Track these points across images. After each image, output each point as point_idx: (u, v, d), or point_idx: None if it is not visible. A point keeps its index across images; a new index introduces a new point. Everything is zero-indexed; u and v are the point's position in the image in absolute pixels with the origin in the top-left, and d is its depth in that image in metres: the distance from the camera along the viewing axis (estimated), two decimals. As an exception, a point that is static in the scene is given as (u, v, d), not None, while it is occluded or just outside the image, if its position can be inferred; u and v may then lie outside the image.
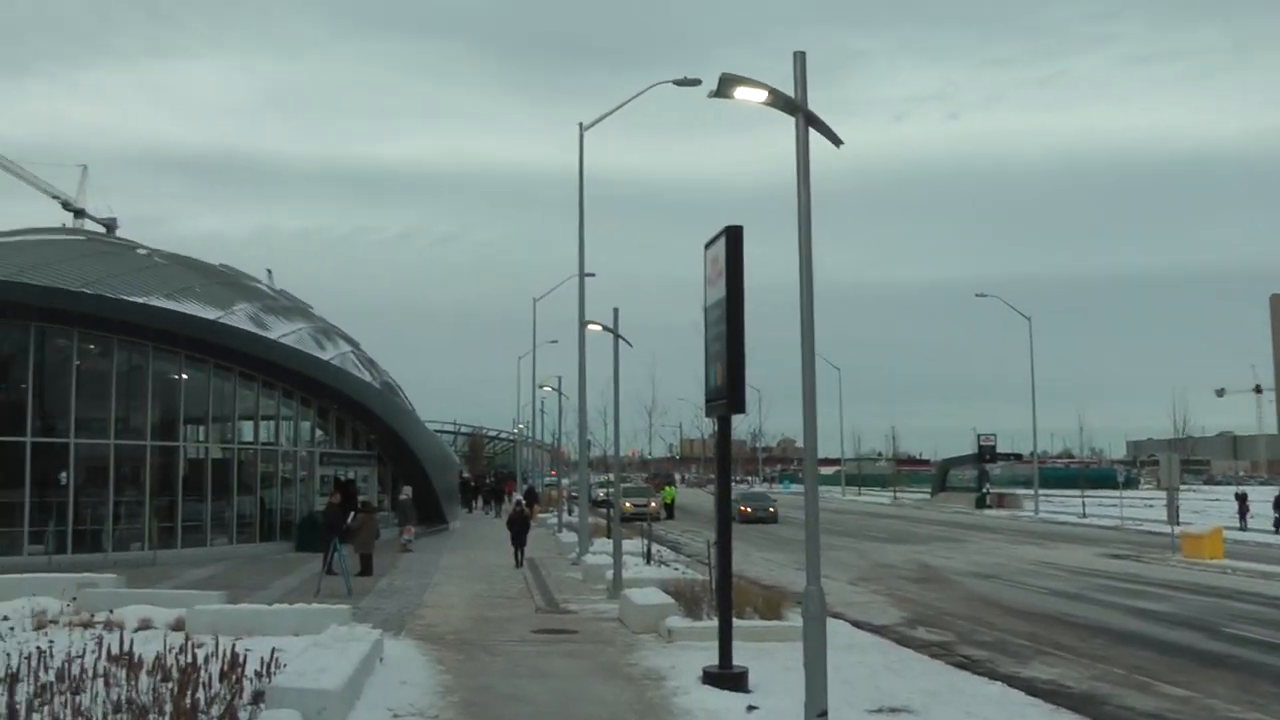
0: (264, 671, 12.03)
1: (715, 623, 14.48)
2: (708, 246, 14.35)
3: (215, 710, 10.43)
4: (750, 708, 12.12)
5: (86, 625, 16.95)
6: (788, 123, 11.14)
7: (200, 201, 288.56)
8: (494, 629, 18.64)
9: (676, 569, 25.58)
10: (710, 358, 14.26)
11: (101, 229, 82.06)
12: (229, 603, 18.55)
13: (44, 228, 43.74)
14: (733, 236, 13.59)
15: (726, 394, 13.40)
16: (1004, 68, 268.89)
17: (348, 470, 39.30)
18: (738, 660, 13.72)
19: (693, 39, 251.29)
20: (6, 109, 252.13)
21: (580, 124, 29.84)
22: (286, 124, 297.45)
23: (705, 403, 14.81)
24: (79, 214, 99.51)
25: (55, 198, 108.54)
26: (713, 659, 13.84)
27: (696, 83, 27.18)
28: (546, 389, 65.04)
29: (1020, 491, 76.97)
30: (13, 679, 11.22)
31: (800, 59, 11.10)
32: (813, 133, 11.10)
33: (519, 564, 30.41)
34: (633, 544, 28.19)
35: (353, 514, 28.89)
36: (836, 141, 11.31)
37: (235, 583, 25.28)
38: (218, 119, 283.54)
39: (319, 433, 38.68)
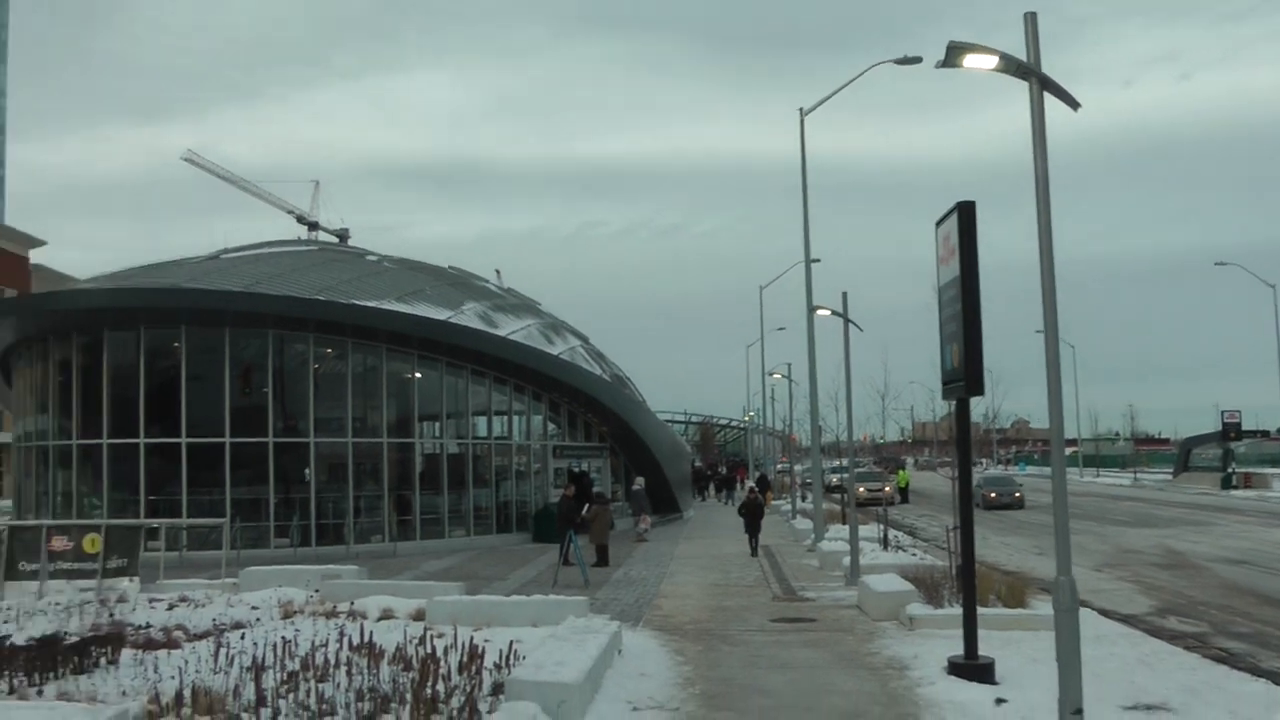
0: (503, 663, 12.06)
1: (958, 610, 13.92)
2: (939, 224, 13.82)
3: (455, 702, 10.47)
4: (999, 701, 11.58)
5: (330, 615, 17.38)
6: (1013, 96, 10.61)
7: (428, 208, 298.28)
8: (731, 618, 18.39)
9: (914, 554, 24.93)
10: (945, 339, 13.73)
11: (334, 239, 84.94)
12: (467, 594, 18.78)
13: (279, 240, 45.45)
14: (964, 212, 13.04)
15: (964, 375, 12.87)
16: (1240, 22, 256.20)
17: (580, 462, 39.66)
18: (983, 650, 13.15)
19: (907, 18, 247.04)
20: (243, 132, 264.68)
21: (800, 109, 29.35)
22: (510, 127, 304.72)
23: (942, 385, 14.22)
24: (313, 227, 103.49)
25: (290, 213, 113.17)
26: (956, 648, 13.30)
27: (917, 60, 26.36)
28: (776, 376, 64.75)
29: (1269, 471, 72.76)
30: (258, 668, 11.53)
31: (1031, 20, 10.51)
32: (1047, 98, 10.54)
33: (754, 552, 30.05)
34: (868, 529, 27.55)
35: (587, 505, 29.11)
36: (1074, 104, 10.67)
37: (473, 574, 25.66)
38: (443, 127, 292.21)
39: (551, 426, 39.15)
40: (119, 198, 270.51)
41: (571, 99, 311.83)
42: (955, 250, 13.00)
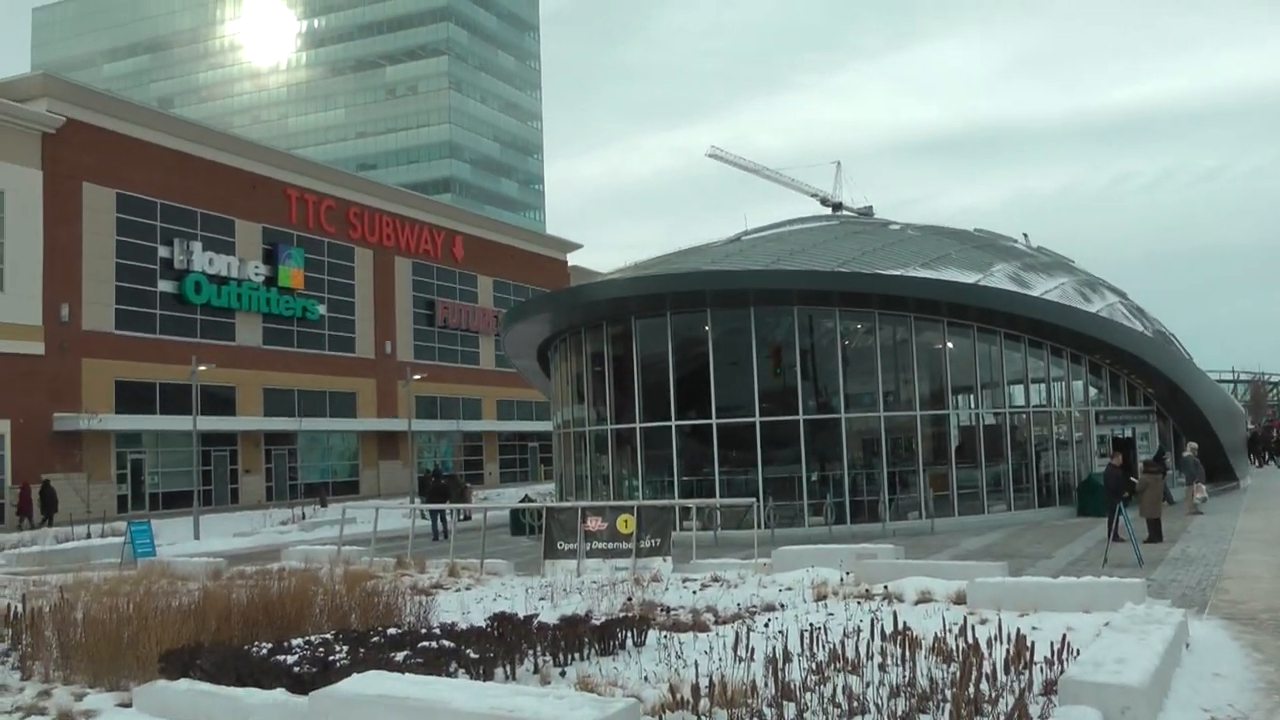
0: (1054, 658, 10.51)
1: None
2: None
3: (1002, 705, 9.09)
4: None
5: (864, 597, 16.47)
6: None
7: (951, 178, 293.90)
8: (1319, 604, 15.74)
9: None
10: None
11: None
12: (1010, 574, 17.25)
13: (799, 218, 45.19)
14: None
15: None
16: None
17: (1125, 428, 36.67)
18: None
19: None
20: (767, 122, 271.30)
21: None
22: (1032, 85, 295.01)
23: None
24: (836, 207, 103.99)
25: (813, 195, 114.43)
26: None
27: None
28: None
29: None
30: (781, 659, 10.62)
31: None
32: None
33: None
34: None
35: (1137, 475, 26.58)
36: None
37: (1015, 551, 23.95)
38: (963, 94, 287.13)
39: (1091, 390, 36.41)
40: (649, 199, 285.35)
41: (1091, 44, 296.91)
42: None
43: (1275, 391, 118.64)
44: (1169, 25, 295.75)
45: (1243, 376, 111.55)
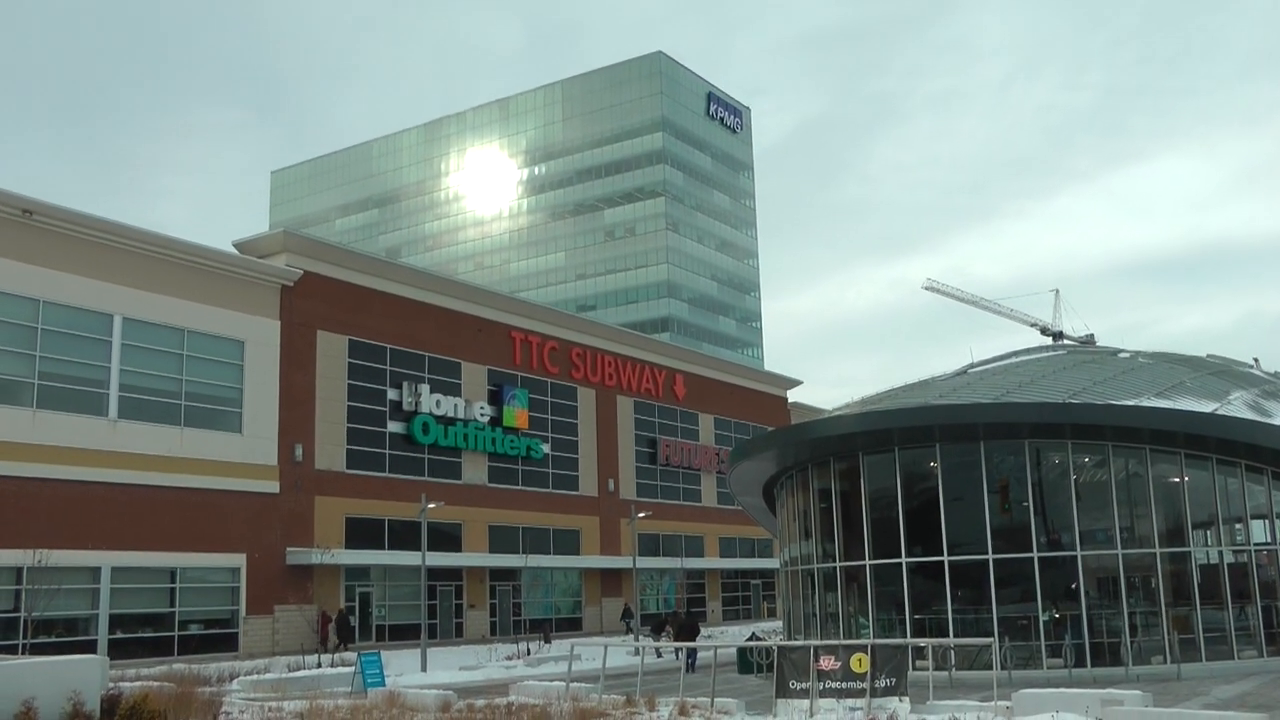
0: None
1: None
2: None
3: None
4: None
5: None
6: None
7: (1176, 300, 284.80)
8: None
9: None
10: None
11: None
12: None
13: (1024, 349, 44.66)
14: None
15: None
16: None
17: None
18: None
19: None
20: (983, 251, 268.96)
21: None
22: (1256, 199, 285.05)
23: None
24: (1057, 336, 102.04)
25: (1033, 325, 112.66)
26: None
27: None
28: None
29: None
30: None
31: None
32: None
33: None
34: None
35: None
36: None
37: (1274, 702, 22.74)
38: (1184, 212, 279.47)
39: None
40: (866, 334, 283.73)
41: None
42: None
43: None
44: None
45: None
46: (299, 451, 48.42)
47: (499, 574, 58.55)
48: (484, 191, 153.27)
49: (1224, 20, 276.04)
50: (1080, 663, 29.28)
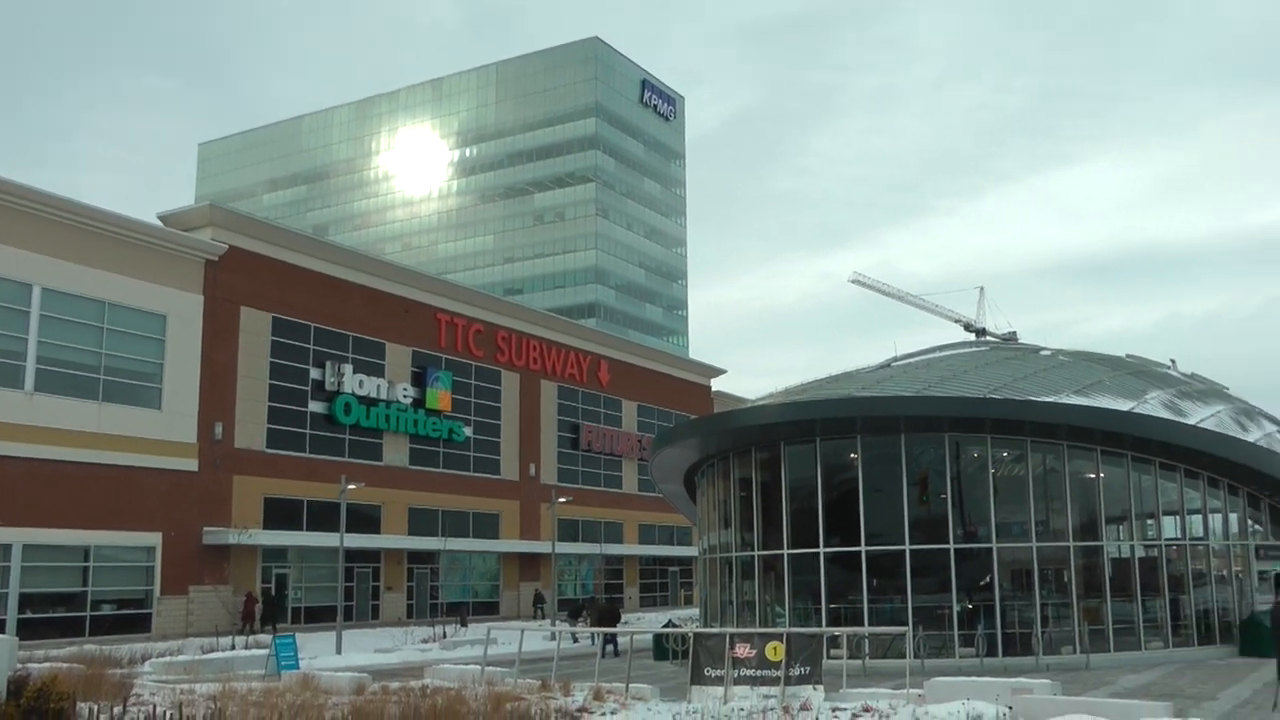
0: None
1: None
2: None
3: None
4: None
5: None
6: None
7: (1099, 302, 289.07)
8: None
9: None
10: None
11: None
12: (1175, 715, 16.87)
13: (948, 344, 45.11)
14: None
15: None
16: None
17: (1287, 564, 35.52)
18: None
19: None
20: (912, 248, 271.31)
21: None
22: (1181, 205, 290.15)
23: None
24: (979, 333, 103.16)
25: (957, 321, 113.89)
26: None
27: None
28: None
29: None
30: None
31: None
32: None
33: None
34: None
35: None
36: None
37: (1177, 691, 23.29)
38: (1109, 216, 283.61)
39: (1251, 523, 35.38)
40: (793, 326, 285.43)
41: (1245, 166, 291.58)
42: None
43: None
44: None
45: None
46: (219, 430, 47.82)
47: (417, 556, 58.26)
48: (414, 172, 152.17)
49: (1156, 30, 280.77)
50: (992, 652, 29.67)
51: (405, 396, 57.70)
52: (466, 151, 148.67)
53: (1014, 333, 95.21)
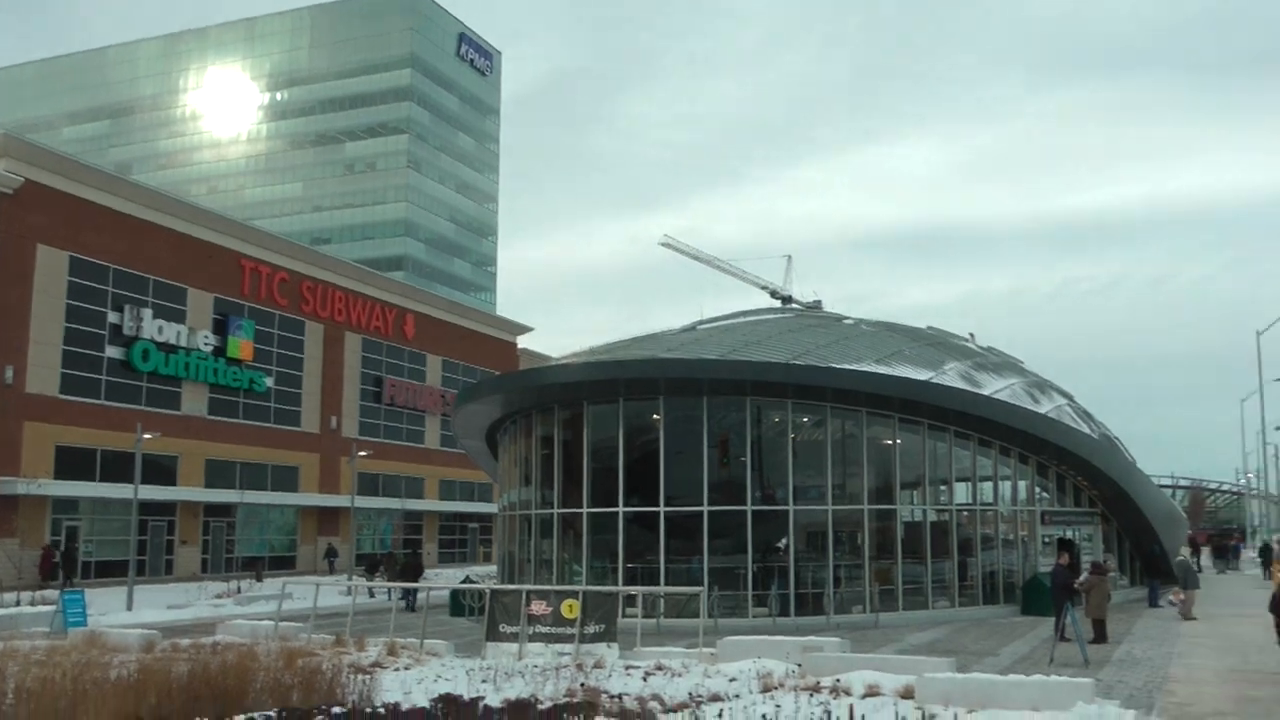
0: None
1: None
2: None
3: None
4: None
5: (813, 690, 16.40)
6: None
7: (904, 276, 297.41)
8: (1262, 712, 15.79)
9: None
10: None
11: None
12: (957, 670, 17.24)
13: (754, 310, 45.50)
14: None
15: None
16: None
17: (1068, 529, 36.93)
18: None
19: None
20: (724, 214, 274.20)
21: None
22: (987, 187, 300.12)
23: None
24: (785, 300, 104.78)
25: (764, 288, 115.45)
26: None
27: None
28: (1281, 432, 59.33)
29: None
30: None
31: None
32: None
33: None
34: None
35: (1084, 575, 26.66)
36: None
37: (961, 648, 23.96)
38: (921, 194, 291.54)
39: (1038, 491, 36.65)
40: (603, 286, 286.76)
41: (1050, 152, 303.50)
42: None
43: (1213, 498, 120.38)
44: (1120, 135, 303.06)
45: (1182, 482, 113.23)
46: (9, 373, 45.61)
47: (214, 510, 56.76)
48: (223, 113, 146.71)
49: (974, 16, 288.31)
50: (785, 612, 30.06)
51: (206, 344, 55.98)
52: (278, 95, 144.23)
53: (819, 301, 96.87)
